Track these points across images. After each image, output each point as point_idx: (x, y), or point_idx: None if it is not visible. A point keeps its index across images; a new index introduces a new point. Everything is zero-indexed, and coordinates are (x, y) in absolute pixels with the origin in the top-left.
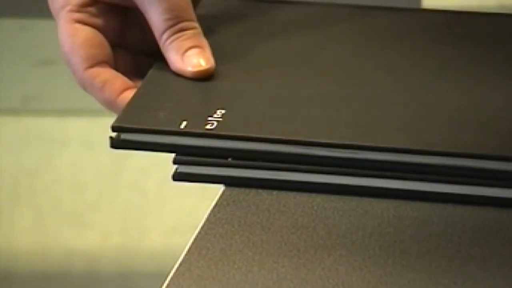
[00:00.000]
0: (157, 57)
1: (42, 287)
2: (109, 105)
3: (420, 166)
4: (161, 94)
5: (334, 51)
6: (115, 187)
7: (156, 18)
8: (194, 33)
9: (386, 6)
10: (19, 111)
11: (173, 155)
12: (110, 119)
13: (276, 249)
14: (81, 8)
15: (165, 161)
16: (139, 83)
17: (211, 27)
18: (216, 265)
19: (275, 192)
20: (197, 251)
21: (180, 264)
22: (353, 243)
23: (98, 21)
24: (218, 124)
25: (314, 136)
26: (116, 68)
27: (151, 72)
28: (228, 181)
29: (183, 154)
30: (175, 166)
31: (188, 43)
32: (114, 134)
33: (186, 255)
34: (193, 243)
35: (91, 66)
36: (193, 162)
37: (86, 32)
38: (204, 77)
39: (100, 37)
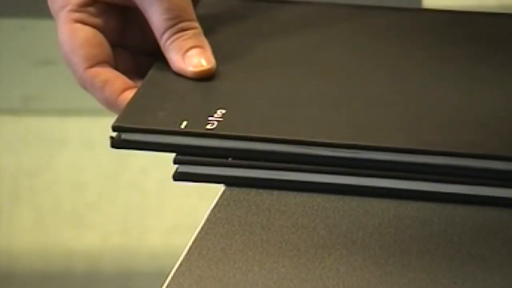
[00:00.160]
0: (157, 57)
1: (42, 287)
2: (110, 105)
3: (420, 166)
4: (162, 94)
5: (334, 51)
6: (115, 187)
7: (156, 18)
8: (195, 33)
9: (386, 6)
10: (19, 111)
11: (173, 155)
12: (110, 119)
13: (277, 249)
14: (81, 8)
15: (165, 161)
16: (139, 83)
17: (211, 27)
18: (216, 265)
19: (275, 192)
20: (197, 251)
21: (181, 264)
22: (354, 243)
23: (98, 21)
24: (218, 124)
25: (315, 136)
26: (116, 68)
27: (151, 72)
28: (229, 181)
29: (183, 154)
30: (176, 166)
31: (189, 43)
32: (114, 134)
33: (186, 255)
34: (193, 243)
35: (91, 66)
36: (193, 162)
37: (86, 32)
38: (205, 77)
39: (100, 37)
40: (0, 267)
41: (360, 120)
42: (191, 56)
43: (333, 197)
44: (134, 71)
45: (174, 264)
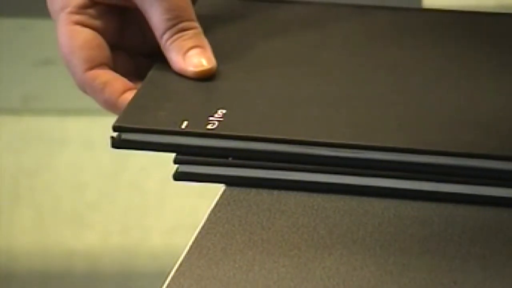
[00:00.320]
0: (155, 58)
1: (42, 287)
2: (110, 106)
3: (420, 166)
4: (162, 94)
5: (334, 51)
6: (115, 187)
7: (156, 18)
8: (195, 33)
9: (386, 6)
10: (19, 111)
11: (173, 154)
12: (110, 119)
13: (277, 248)
14: (80, 10)
15: (166, 161)
16: (138, 85)
17: (211, 27)
18: (216, 265)
19: (275, 192)
20: (197, 250)
21: (181, 264)
22: (354, 243)
23: (97, 23)
24: (219, 124)
25: (315, 136)
26: (115, 70)
27: (151, 72)
28: (229, 181)
29: (184, 154)
30: (176, 166)
31: (189, 43)
32: (115, 134)
33: (186, 254)
34: (193, 242)
35: (91, 68)
36: (194, 162)
37: (85, 34)
38: (206, 77)
39: (99, 39)
40: (0, 267)
41: (360, 120)
42: (191, 56)
43: (333, 196)
44: (133, 73)
45: (174, 264)
